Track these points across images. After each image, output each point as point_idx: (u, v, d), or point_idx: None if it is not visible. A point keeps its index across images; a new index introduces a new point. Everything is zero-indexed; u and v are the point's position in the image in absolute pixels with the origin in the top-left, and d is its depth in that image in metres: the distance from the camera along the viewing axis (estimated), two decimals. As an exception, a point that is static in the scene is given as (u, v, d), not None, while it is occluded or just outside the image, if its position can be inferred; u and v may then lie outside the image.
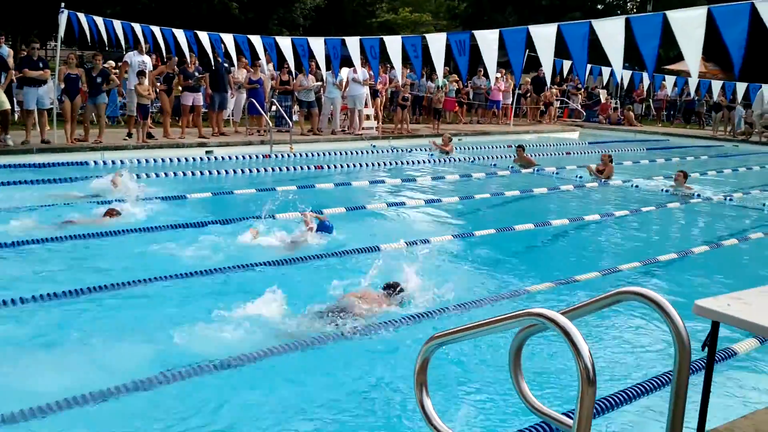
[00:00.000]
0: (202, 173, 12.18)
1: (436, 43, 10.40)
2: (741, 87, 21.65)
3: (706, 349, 2.68)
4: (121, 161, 12.82)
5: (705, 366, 2.73)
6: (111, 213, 8.34)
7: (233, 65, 16.49)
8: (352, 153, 15.94)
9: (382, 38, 11.60)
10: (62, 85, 13.28)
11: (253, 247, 7.39)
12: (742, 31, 6.97)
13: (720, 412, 3.78)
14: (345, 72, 17.93)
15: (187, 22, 18.98)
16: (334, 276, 6.29)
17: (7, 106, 12.83)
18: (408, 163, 15.19)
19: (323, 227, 7.88)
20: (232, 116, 17.80)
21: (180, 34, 14.33)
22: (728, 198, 12.24)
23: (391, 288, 5.82)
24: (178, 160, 13.47)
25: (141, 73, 14.23)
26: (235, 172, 12.52)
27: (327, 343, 4.94)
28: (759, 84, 21.39)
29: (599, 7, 39.06)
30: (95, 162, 12.67)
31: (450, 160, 15.70)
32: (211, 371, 4.40)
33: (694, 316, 2.69)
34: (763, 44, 7.32)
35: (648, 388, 4.22)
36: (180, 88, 15.49)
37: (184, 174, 11.97)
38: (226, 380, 4.38)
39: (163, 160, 13.27)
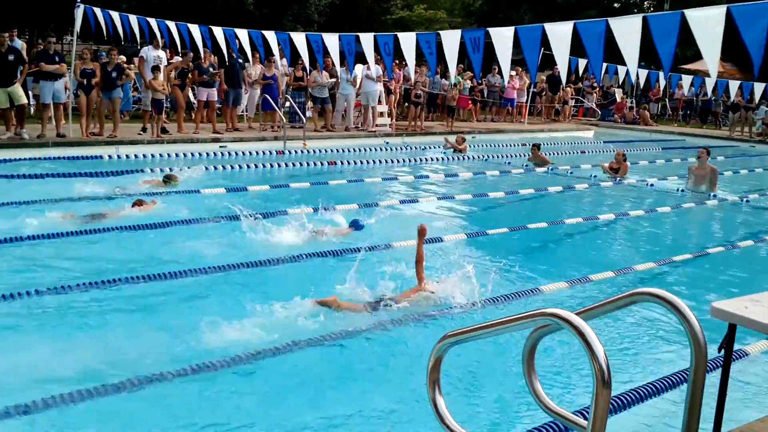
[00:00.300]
0: (216, 168, 12.21)
1: (451, 40, 10.35)
2: (759, 87, 21.44)
3: (723, 350, 2.64)
4: (135, 155, 12.88)
5: (721, 367, 2.70)
6: (139, 203, 8.56)
7: (247, 61, 16.52)
8: (365, 150, 15.93)
9: (396, 35, 11.58)
10: (79, 80, 13.36)
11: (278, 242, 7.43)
12: (762, 30, 6.88)
13: (736, 414, 3.74)
14: (359, 69, 17.92)
15: (202, 18, 19.03)
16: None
17: (24, 100, 12.92)
18: (422, 160, 15.16)
19: (355, 224, 8.18)
20: (246, 112, 17.83)
21: (195, 30, 14.37)
22: (744, 199, 12.13)
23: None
24: (192, 155, 13.52)
25: (156, 68, 14.29)
26: (248, 167, 12.55)
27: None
28: (777, 84, 21.19)
29: (616, 5, 38.79)
30: (110, 156, 12.73)
31: (464, 158, 15.66)
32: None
33: (709, 317, 2.66)
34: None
35: (663, 387, 4.18)
36: (194, 83, 15.55)
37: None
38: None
39: (177, 155, 13.32)
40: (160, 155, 13.18)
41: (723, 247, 8.61)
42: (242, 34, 14.58)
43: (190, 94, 16.69)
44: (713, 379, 3.06)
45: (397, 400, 4.20)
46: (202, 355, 4.55)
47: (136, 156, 12.92)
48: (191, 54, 15.62)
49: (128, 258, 6.73)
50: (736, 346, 4.79)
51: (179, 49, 15.67)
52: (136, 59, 18.10)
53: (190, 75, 15.46)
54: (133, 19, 14.57)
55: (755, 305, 2.63)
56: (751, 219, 11.05)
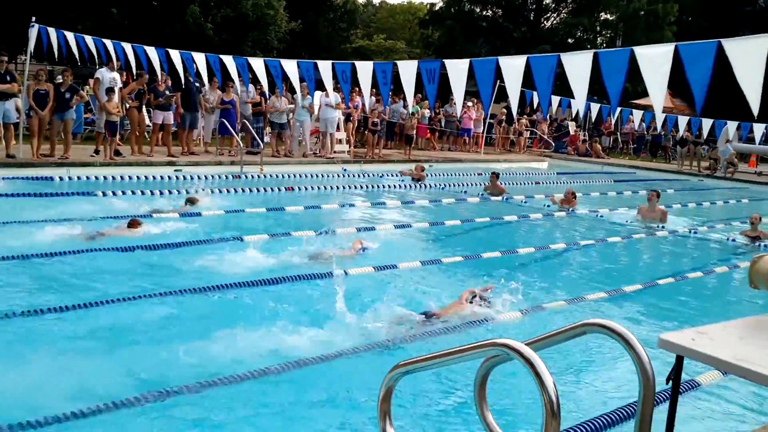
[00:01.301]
0: (170, 192, 12.03)
1: (407, 70, 10.47)
2: (707, 123, 22.16)
3: (671, 382, 2.67)
4: (86, 177, 12.64)
5: (669, 399, 2.73)
6: (133, 224, 8.77)
7: (204, 85, 16.43)
8: (323, 176, 15.91)
9: (353, 63, 11.65)
10: (30, 102, 13.09)
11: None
12: (707, 69, 7.11)
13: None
14: (317, 95, 17.97)
15: (161, 41, 18.88)
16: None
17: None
18: (379, 187, 15.20)
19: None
20: (203, 136, 17.69)
21: (152, 52, 14.25)
22: (693, 231, 12.43)
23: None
24: (146, 178, 13.31)
25: (110, 90, 14.10)
26: (204, 191, 12.39)
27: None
28: (724, 121, 21.92)
29: (570, 40, 39.82)
30: (60, 178, 12.46)
31: (421, 187, 15.76)
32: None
33: (659, 347, 2.69)
34: (729, 82, 7.48)
35: (613, 420, 4.21)
36: (150, 105, 15.39)
37: (152, 192, 11.82)
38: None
39: (130, 177, 13.10)
40: (113, 178, 12.94)
41: (672, 278, 8.78)
42: (199, 58, 14.51)
43: (146, 117, 16.51)
44: (663, 408, 3.09)
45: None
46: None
47: (87, 178, 12.66)
48: (147, 75, 15.47)
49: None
50: (686, 377, 4.87)
51: (134, 71, 15.49)
52: (91, 80, 17.88)
53: (146, 96, 15.29)
54: (88, 39, 14.38)
55: (702, 337, 2.67)
56: (699, 251, 11.31)
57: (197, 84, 16.11)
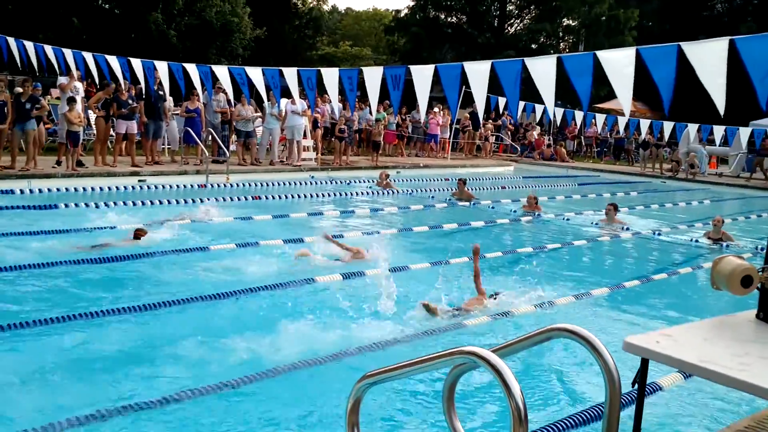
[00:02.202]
0: (134, 203, 11.86)
1: (373, 76, 10.46)
2: (668, 126, 22.54)
3: (636, 385, 2.69)
4: (48, 189, 12.41)
5: (635, 401, 2.75)
6: (139, 234, 8.84)
7: (170, 94, 16.25)
8: (290, 184, 15.83)
9: (319, 70, 11.61)
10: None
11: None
12: (671, 70, 7.22)
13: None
14: (283, 103, 17.90)
15: (123, 50, 18.66)
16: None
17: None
18: (347, 194, 15.16)
19: None
20: (168, 145, 17.48)
21: (113, 61, 14.04)
22: (656, 233, 12.62)
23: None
24: (109, 189, 13.11)
25: (71, 100, 13.86)
26: (169, 202, 12.24)
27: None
28: (685, 123, 22.33)
29: (533, 46, 40.27)
30: (21, 191, 12.22)
31: (389, 193, 15.76)
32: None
33: (624, 350, 2.71)
34: (689, 85, 7.62)
35: (579, 421, 4.24)
36: (113, 115, 15.16)
37: (115, 204, 11.63)
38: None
39: (93, 189, 12.89)
40: (75, 189, 12.72)
41: (638, 280, 8.89)
42: (162, 66, 14.33)
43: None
44: (630, 409, 3.11)
45: None
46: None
47: (49, 190, 12.43)
48: (113, 85, 15.26)
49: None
50: (652, 380, 4.93)
51: (96, 81, 15.27)
52: (53, 90, 17.59)
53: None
54: (48, 49, 14.13)
55: (666, 339, 2.70)
56: (663, 253, 11.48)
57: (160, 93, 15.92)
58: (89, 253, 8.16)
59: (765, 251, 2.99)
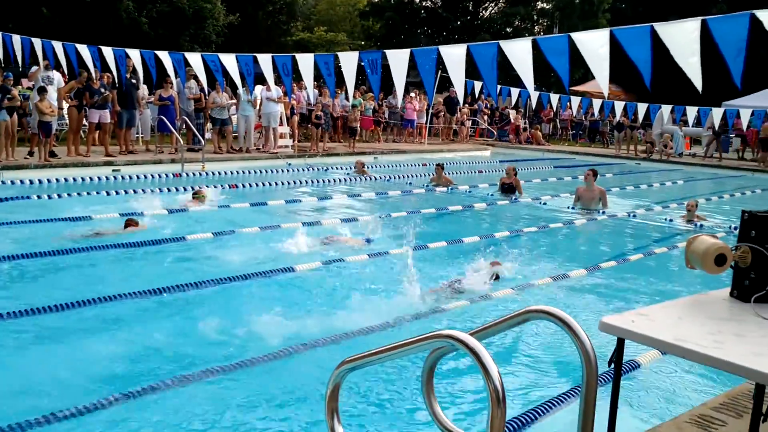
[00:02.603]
0: (108, 193, 11.72)
1: (349, 61, 10.39)
2: (642, 107, 22.70)
3: (612, 365, 2.72)
4: (21, 181, 12.22)
5: (612, 380, 2.78)
6: (130, 224, 9.02)
7: (143, 82, 16.02)
8: (267, 172, 15.74)
9: (294, 56, 11.50)
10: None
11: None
12: (647, 49, 7.25)
13: (628, 425, 3.87)
14: (258, 90, 17.75)
15: (95, 39, 18.35)
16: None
17: None
18: (325, 181, 15.11)
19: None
20: (141, 134, 17.28)
21: (84, 50, 13.78)
22: (632, 214, 12.73)
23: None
24: (83, 179, 12.95)
25: (42, 90, 13.63)
26: (144, 191, 12.11)
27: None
28: (659, 105, 22.50)
29: (508, 30, 40.30)
30: (-7, 182, 12.04)
31: (367, 179, 15.73)
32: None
33: (600, 330, 2.73)
34: (663, 66, 7.65)
35: (558, 402, 4.28)
36: (86, 104, 14.92)
37: (89, 194, 11.49)
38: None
39: (66, 179, 12.72)
40: (48, 180, 12.54)
41: (614, 261, 8.98)
42: (134, 54, 14.11)
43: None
44: (606, 389, 3.14)
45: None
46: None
47: (21, 182, 12.25)
48: (85, 74, 15.00)
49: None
50: (628, 358, 4.98)
51: (65, 70, 15.00)
52: (24, 80, 17.29)
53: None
54: (16, 39, 13.84)
55: (642, 319, 2.72)
56: (639, 233, 11.59)
57: (133, 81, 15.70)
58: (75, 242, 8.07)
59: (738, 230, 3.02)
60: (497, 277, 7.50)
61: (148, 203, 10.83)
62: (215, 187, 12.48)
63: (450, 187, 14.64)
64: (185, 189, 12.70)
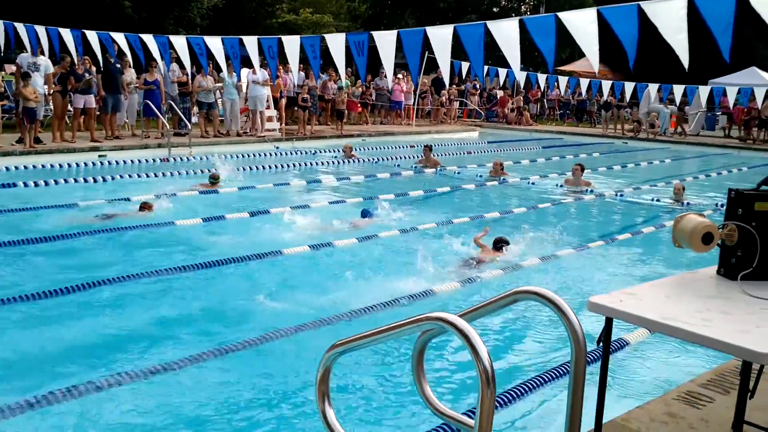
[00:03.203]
0: (95, 179, 11.64)
1: (336, 43, 10.34)
2: (629, 87, 22.73)
3: (601, 344, 2.74)
4: (6, 168, 12.12)
5: (600, 359, 2.80)
6: (145, 207, 9.25)
7: (128, 66, 15.87)
8: (254, 155, 15.67)
9: (280, 38, 11.43)
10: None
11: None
12: (633, 27, 7.26)
13: (617, 403, 3.91)
14: (244, 73, 17.62)
15: (78, 23, 18.14)
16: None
17: None
18: (313, 164, 15.06)
19: (366, 213, 9.58)
20: (127, 119, 17.13)
21: (66, 34, 13.64)
22: (619, 194, 12.79)
23: (501, 243, 7.91)
24: (69, 165, 12.85)
25: (26, 75, 13.47)
26: (130, 176, 12.04)
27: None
28: (645, 84, 22.53)
29: (495, 9, 40.12)
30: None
31: (355, 162, 15.69)
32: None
33: (588, 310, 2.75)
34: (650, 45, 7.67)
35: (547, 380, 4.31)
36: (70, 90, 14.77)
37: (76, 180, 11.41)
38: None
39: (52, 165, 12.62)
40: (34, 166, 12.44)
41: (603, 241, 9.02)
42: (119, 37, 13.98)
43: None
44: (595, 368, 3.17)
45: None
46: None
47: (7, 168, 12.14)
48: (68, 58, 14.83)
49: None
50: (617, 335, 5.02)
51: (47, 54, 14.82)
52: (6, 66, 17.09)
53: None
54: (-1, 24, 13.68)
55: (630, 298, 2.74)
56: (626, 213, 11.64)
57: (118, 65, 15.54)
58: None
59: (725, 208, 3.04)
60: (504, 244, 7.89)
61: (138, 188, 10.79)
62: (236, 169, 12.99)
63: (438, 168, 14.63)
64: (172, 174, 12.63)
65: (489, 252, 7.77)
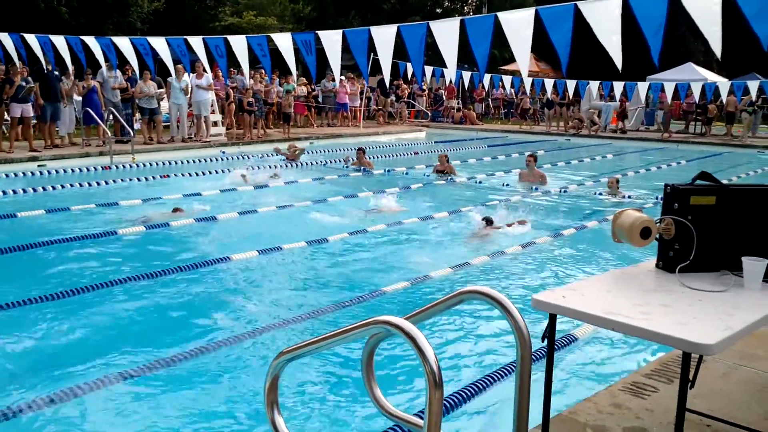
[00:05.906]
0: (34, 189, 11.32)
1: (284, 42, 10.25)
2: (571, 84, 23.16)
3: (546, 340, 2.79)
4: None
5: (546, 356, 2.85)
6: (177, 210, 9.68)
7: (64, 73, 15.45)
8: (200, 161, 15.44)
9: (226, 38, 11.28)
10: None
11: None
12: (567, 30, 7.39)
13: (564, 397, 3.98)
14: (187, 77, 17.36)
15: (12, 28, 17.57)
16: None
17: None
18: (259, 168, 14.92)
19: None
20: (58, 128, 16.64)
21: (5, 38, 13.17)
22: (563, 190, 13.02)
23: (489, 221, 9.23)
24: (7, 175, 12.47)
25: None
26: (71, 185, 11.74)
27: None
28: (586, 81, 22.99)
29: (438, 10, 40.44)
30: None
31: (303, 165, 15.60)
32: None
33: (532, 307, 2.79)
34: (587, 44, 7.83)
35: (495, 378, 4.36)
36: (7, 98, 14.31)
37: (14, 192, 11.07)
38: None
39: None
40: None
41: (548, 237, 9.17)
42: (59, 41, 13.55)
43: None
44: (542, 364, 3.22)
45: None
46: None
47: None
48: (2, 66, 14.36)
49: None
50: (564, 332, 5.11)
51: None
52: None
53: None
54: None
55: (572, 294, 2.79)
56: (570, 209, 11.85)
57: (56, 72, 15.12)
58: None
59: (662, 203, 3.13)
60: (490, 222, 9.09)
61: (78, 197, 10.51)
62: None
63: (386, 169, 14.68)
64: (115, 182, 12.36)
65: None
